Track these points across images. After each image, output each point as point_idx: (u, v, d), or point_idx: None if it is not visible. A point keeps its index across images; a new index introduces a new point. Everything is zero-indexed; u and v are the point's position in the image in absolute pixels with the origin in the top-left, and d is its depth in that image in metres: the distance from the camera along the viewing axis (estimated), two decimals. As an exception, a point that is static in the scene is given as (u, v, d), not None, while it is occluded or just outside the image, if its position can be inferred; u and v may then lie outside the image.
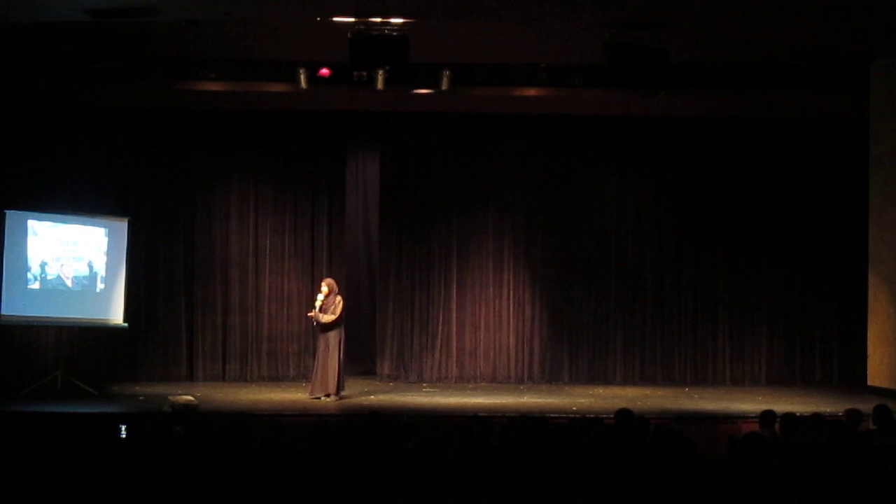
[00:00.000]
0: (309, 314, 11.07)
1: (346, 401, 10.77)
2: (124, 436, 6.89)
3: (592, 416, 9.14)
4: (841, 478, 5.45)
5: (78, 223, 11.77)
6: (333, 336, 10.82)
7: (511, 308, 13.26)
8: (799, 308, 13.26)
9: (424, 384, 12.77)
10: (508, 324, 13.23)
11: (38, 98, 12.12)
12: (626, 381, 13.02)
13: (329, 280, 11.18)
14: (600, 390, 12.34)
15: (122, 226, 11.92)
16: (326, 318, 10.79)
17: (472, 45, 10.88)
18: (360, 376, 12.98)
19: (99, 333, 12.36)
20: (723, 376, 13.18)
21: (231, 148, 13.08)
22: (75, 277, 11.64)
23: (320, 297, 10.86)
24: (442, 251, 13.27)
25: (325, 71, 11.30)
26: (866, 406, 7.75)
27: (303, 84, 11.32)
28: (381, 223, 13.38)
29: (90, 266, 11.73)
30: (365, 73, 10.71)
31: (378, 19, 9.66)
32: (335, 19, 9.79)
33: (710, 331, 13.28)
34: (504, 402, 11.02)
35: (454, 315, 13.20)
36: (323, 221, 13.19)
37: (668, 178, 13.35)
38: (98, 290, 11.78)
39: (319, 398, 10.73)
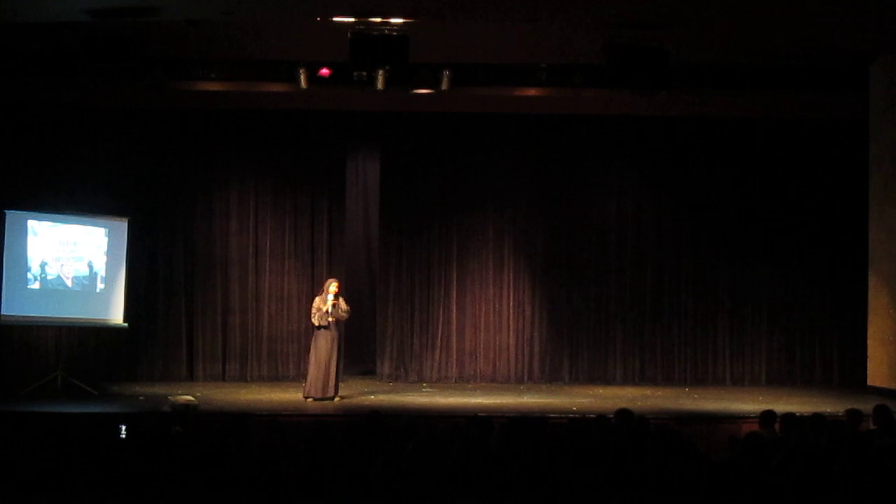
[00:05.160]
0: (329, 319, 10.71)
1: (346, 401, 10.77)
2: (124, 436, 6.89)
3: (593, 415, 9.13)
4: (841, 478, 5.45)
5: (78, 223, 11.76)
6: (338, 335, 10.83)
7: (511, 308, 13.26)
8: (799, 308, 13.26)
9: (424, 384, 12.77)
10: (508, 324, 13.23)
11: (38, 98, 12.12)
12: (626, 381, 13.02)
13: (338, 280, 11.14)
14: (600, 390, 12.34)
15: (122, 226, 11.92)
16: (343, 308, 10.77)
17: (472, 45, 10.88)
18: (360, 376, 12.99)
19: (99, 333, 12.37)
20: (723, 376, 13.18)
21: (231, 148, 13.08)
22: (75, 277, 11.63)
23: (331, 297, 10.78)
24: (442, 251, 13.27)
25: (325, 71, 11.29)
26: (866, 406, 7.75)
27: (303, 84, 11.31)
28: (381, 223, 13.38)
29: (90, 266, 11.73)
30: (365, 73, 10.71)
31: (378, 19, 9.66)
32: (335, 19, 9.79)
33: (710, 331, 13.28)
34: (504, 402, 11.01)
35: (454, 315, 13.20)
36: (323, 221, 13.19)
37: (668, 178, 13.35)
38: (98, 290, 11.77)
39: (330, 398, 10.70)
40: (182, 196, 12.97)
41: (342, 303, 10.86)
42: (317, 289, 12.46)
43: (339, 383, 10.97)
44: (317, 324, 10.79)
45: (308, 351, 11.07)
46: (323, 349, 10.75)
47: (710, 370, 13.22)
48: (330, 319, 10.73)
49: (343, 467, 5.70)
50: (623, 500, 5.43)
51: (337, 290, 10.85)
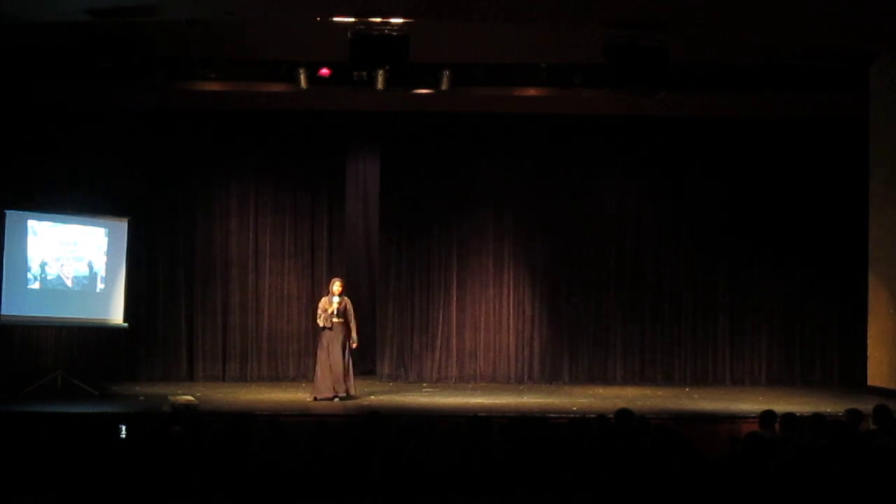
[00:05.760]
0: (335, 320, 10.76)
1: (347, 401, 10.78)
2: (124, 436, 6.89)
3: (593, 415, 9.13)
4: (841, 478, 5.45)
5: (78, 223, 11.77)
6: (343, 335, 10.86)
7: (511, 308, 13.26)
8: (799, 308, 13.26)
9: (424, 384, 12.77)
10: (508, 324, 13.23)
11: (39, 98, 12.12)
12: (626, 381, 13.02)
13: (341, 279, 11.15)
14: (600, 390, 12.34)
15: (122, 226, 11.92)
16: (353, 325, 10.83)
17: (472, 45, 10.88)
18: (360, 376, 12.94)
19: (99, 333, 12.36)
20: (723, 376, 13.18)
21: (231, 148, 13.08)
22: (75, 277, 11.64)
23: (336, 299, 10.81)
24: (442, 251, 13.27)
25: (325, 71, 11.29)
26: (866, 406, 7.74)
27: (303, 84, 11.31)
28: (381, 223, 13.38)
29: (90, 266, 11.73)
30: (365, 73, 10.71)
31: (378, 19, 9.66)
32: (335, 19, 9.80)
33: (710, 331, 13.28)
34: (504, 402, 11.02)
35: (454, 315, 13.20)
36: (323, 221, 13.20)
37: (668, 178, 13.36)
38: (98, 290, 11.77)
39: (332, 399, 10.72)
40: (182, 196, 12.97)
41: (349, 303, 10.86)
42: (317, 289, 12.53)
43: (352, 381, 10.96)
44: (322, 325, 10.82)
45: (310, 351, 11.07)
46: (328, 350, 10.77)
47: (710, 370, 13.22)
48: (335, 321, 10.75)
49: (343, 467, 5.70)
50: (623, 500, 5.43)
51: (341, 289, 10.87)
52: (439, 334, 13.16)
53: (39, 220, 11.48)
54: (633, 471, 5.60)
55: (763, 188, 13.26)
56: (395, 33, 9.68)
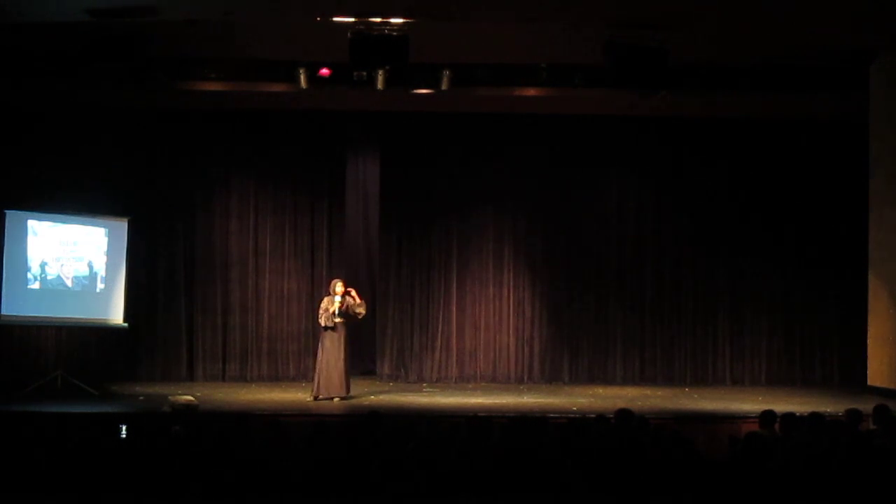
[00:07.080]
0: (336, 320, 10.70)
1: (346, 401, 10.77)
2: (124, 436, 6.89)
3: (593, 415, 9.12)
4: (841, 478, 5.45)
5: (78, 223, 11.77)
6: (344, 336, 10.84)
7: (511, 308, 13.26)
8: (799, 308, 13.26)
9: (424, 384, 12.77)
10: (508, 324, 13.23)
11: (39, 98, 12.12)
12: (626, 381, 13.02)
13: (343, 280, 11.14)
14: (600, 390, 12.34)
15: (122, 226, 11.92)
16: (358, 302, 10.80)
17: (472, 45, 10.88)
18: (360, 376, 12.98)
19: (99, 333, 12.37)
20: (723, 376, 13.19)
21: (231, 148, 13.08)
22: (75, 277, 11.64)
23: (338, 299, 10.76)
24: (442, 251, 13.27)
25: (325, 71, 11.30)
26: (866, 406, 7.74)
27: (303, 84, 11.31)
28: (381, 223, 13.38)
29: (90, 266, 11.73)
30: (365, 73, 10.71)
31: (378, 19, 9.67)
32: (335, 19, 9.81)
33: (710, 331, 13.28)
34: (504, 402, 11.02)
35: (454, 315, 13.20)
36: (323, 221, 13.20)
37: (668, 178, 13.36)
38: (98, 290, 11.77)
39: (332, 399, 10.72)
40: (182, 196, 12.97)
41: (356, 296, 10.85)
42: (317, 289, 12.54)
43: (350, 382, 10.94)
44: (323, 324, 10.81)
45: (310, 351, 11.03)
46: (329, 350, 10.77)
47: (710, 370, 13.22)
48: (337, 321, 10.75)
49: (343, 467, 5.70)
50: (623, 500, 5.43)
51: (343, 289, 10.86)
52: (439, 334, 13.16)
53: (39, 220, 11.48)
54: (633, 471, 5.60)
55: (763, 188, 13.26)
56: (395, 33, 9.70)
